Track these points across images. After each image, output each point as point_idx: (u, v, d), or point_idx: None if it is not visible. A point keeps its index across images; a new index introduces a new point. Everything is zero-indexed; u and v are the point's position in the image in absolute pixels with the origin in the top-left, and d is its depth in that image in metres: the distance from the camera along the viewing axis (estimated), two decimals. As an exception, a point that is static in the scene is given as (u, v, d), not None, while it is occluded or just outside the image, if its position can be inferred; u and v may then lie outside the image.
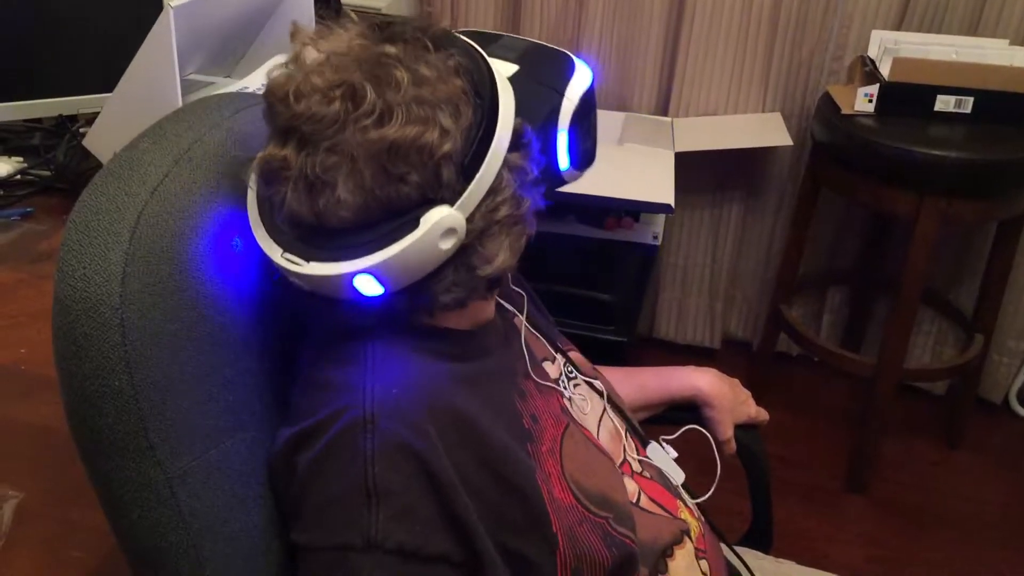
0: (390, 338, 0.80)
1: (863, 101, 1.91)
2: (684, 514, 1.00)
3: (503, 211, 0.76)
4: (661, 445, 1.06)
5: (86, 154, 1.47)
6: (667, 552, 0.93)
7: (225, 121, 0.87)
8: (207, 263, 0.78)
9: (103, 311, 0.70)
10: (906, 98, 1.89)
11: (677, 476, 1.04)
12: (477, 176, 0.73)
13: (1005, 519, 2.09)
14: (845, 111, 1.94)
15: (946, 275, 2.30)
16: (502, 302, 0.96)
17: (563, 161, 0.94)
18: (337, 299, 0.75)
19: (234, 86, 1.34)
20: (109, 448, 0.72)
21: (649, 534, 0.91)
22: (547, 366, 0.97)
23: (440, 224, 0.71)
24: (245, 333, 0.82)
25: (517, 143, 0.77)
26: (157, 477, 0.73)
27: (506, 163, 0.76)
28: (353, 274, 0.71)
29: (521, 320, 0.98)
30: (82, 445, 0.73)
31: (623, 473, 0.95)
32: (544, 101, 0.93)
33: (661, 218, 2.09)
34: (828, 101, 2.01)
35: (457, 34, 0.80)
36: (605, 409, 1.02)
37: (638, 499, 0.94)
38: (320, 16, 1.63)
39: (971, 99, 1.89)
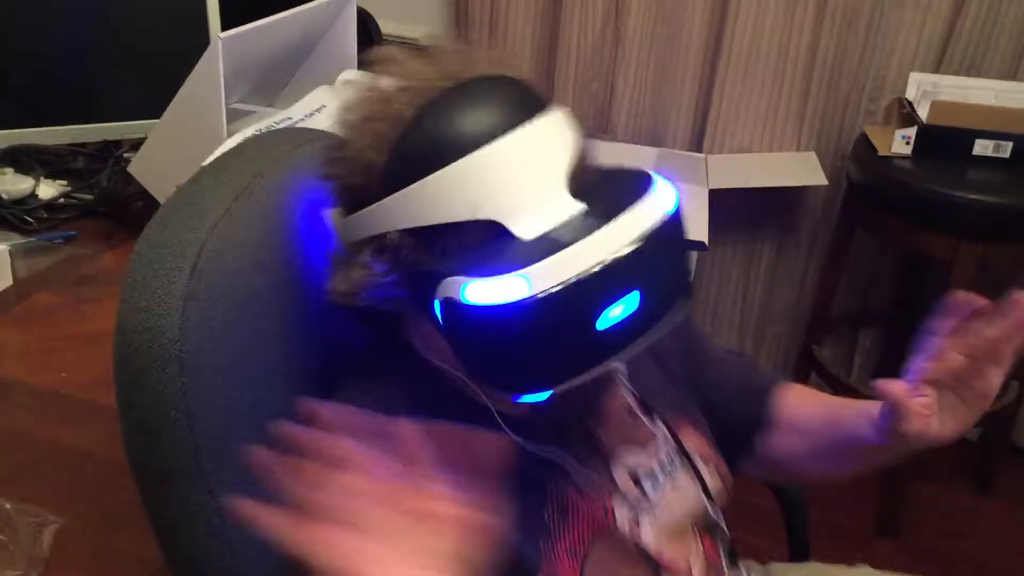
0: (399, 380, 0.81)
1: (900, 143, 1.91)
2: None
3: (347, 269, 0.77)
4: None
5: (129, 179, 1.49)
6: None
7: (286, 157, 0.89)
8: (264, 300, 0.79)
9: (163, 343, 0.72)
10: (944, 141, 1.89)
11: None
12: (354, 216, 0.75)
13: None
14: (882, 152, 1.93)
15: (980, 319, 2.28)
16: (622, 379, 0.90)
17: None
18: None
19: (278, 115, 1.35)
20: (164, 476, 0.74)
21: None
22: (634, 452, 0.88)
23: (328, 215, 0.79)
24: (299, 368, 0.83)
25: (380, 246, 0.74)
26: (209, 506, 0.74)
27: (365, 246, 0.75)
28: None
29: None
30: (138, 472, 0.75)
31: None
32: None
33: (693, 255, 2.09)
34: (864, 142, 2.00)
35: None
36: (704, 498, 0.91)
37: None
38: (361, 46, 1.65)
39: (1010, 144, 1.88)
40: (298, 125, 1.36)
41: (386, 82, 0.74)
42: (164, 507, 0.75)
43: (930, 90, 1.93)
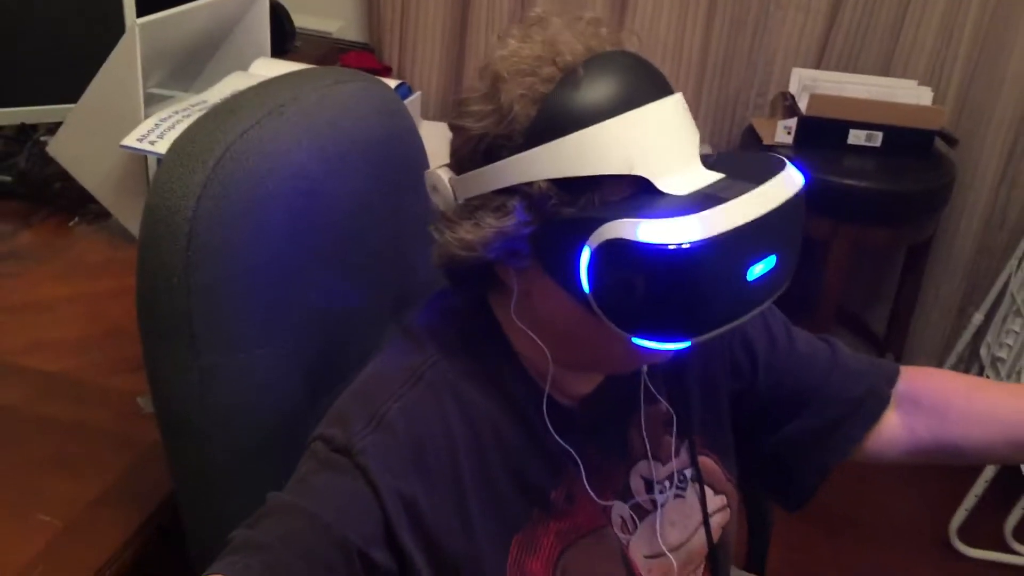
0: (468, 336, 0.88)
1: (783, 133, 2.06)
2: None
3: (465, 225, 0.79)
4: None
5: (48, 161, 1.54)
6: None
7: (324, 88, 1.01)
8: (273, 203, 0.90)
9: (177, 219, 0.84)
10: (821, 131, 2.05)
11: None
12: (478, 171, 0.78)
13: (908, 525, 2.24)
14: (766, 142, 2.08)
15: (860, 298, 2.45)
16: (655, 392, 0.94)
17: (584, 282, 0.74)
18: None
19: (193, 99, 1.42)
20: (161, 332, 0.87)
21: None
22: (654, 464, 0.93)
23: (433, 175, 0.83)
24: (295, 264, 0.94)
25: (520, 197, 0.76)
26: (192, 364, 0.87)
27: (505, 198, 0.77)
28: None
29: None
30: (143, 327, 0.89)
31: None
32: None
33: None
34: (751, 133, 2.16)
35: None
36: (703, 530, 0.96)
37: None
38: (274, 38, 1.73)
39: (881, 134, 2.05)
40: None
41: (530, 45, 0.78)
42: (155, 355, 0.88)
43: (810, 84, 2.09)
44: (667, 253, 0.68)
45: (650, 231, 0.68)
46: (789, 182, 0.75)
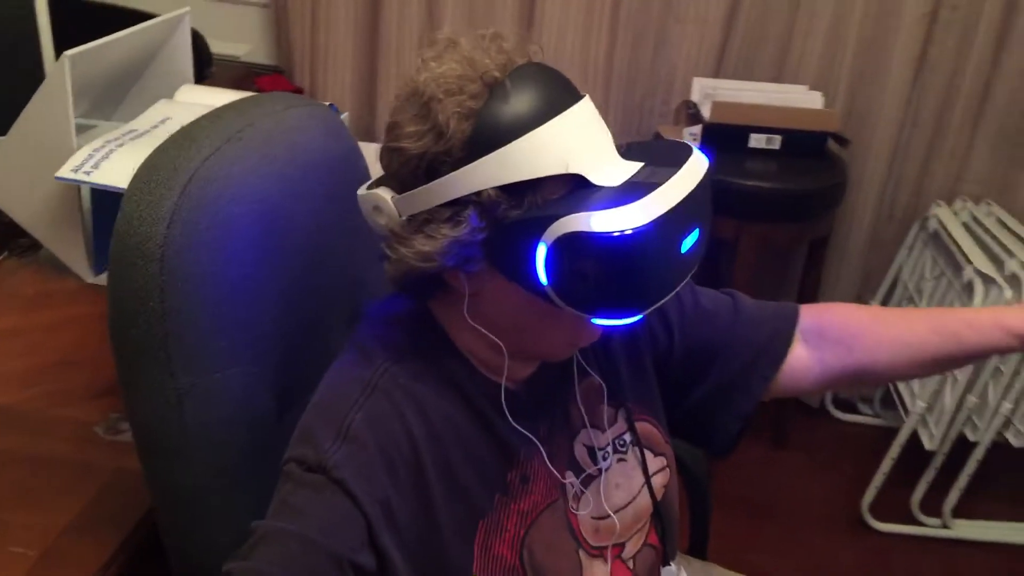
0: (421, 346, 0.93)
1: (689, 139, 2.16)
2: None
3: (418, 238, 0.83)
4: (678, 570, 1.10)
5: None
6: None
7: (277, 114, 1.06)
8: (237, 226, 0.94)
9: (149, 246, 0.87)
10: (725, 136, 2.16)
11: None
12: (422, 188, 0.83)
13: (825, 506, 2.36)
14: (674, 149, 2.18)
15: (766, 294, 2.56)
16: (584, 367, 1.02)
17: (540, 274, 0.81)
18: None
19: (123, 128, 1.42)
20: (136, 355, 0.90)
21: None
22: (594, 433, 1.00)
23: (373, 196, 0.87)
24: (261, 284, 0.98)
25: (473, 207, 0.81)
26: (169, 385, 0.90)
27: (457, 209, 0.82)
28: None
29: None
30: (117, 352, 0.92)
31: (599, 556, 1.00)
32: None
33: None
34: (658, 140, 2.25)
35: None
36: (647, 490, 1.03)
37: None
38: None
39: (779, 137, 2.17)
40: (142, 136, 1.43)
41: (450, 64, 0.84)
42: (132, 380, 0.91)
43: (711, 92, 2.20)
44: (619, 239, 0.77)
45: (602, 221, 0.77)
46: (700, 162, 0.85)
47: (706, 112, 2.17)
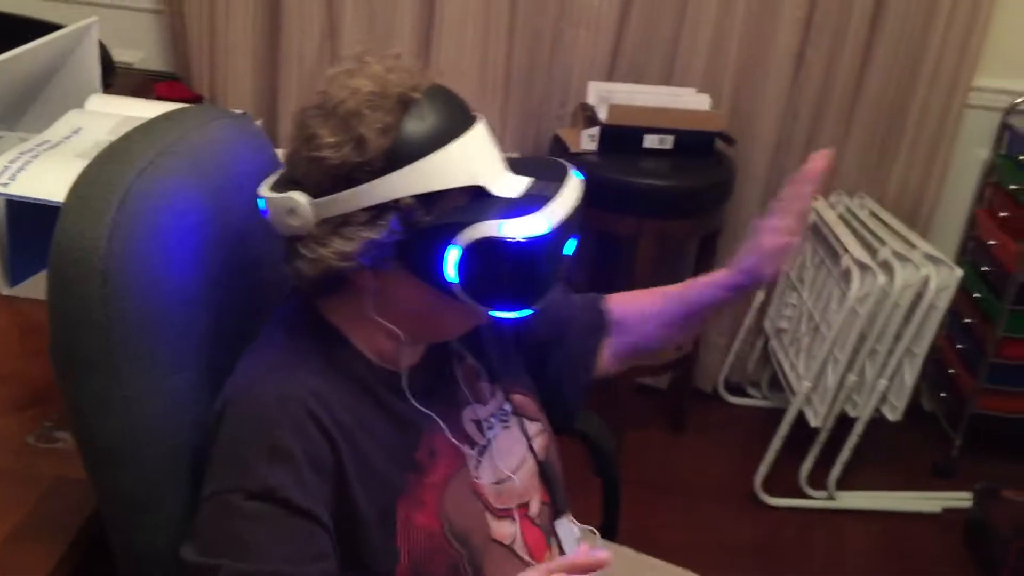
0: (315, 342, 1.00)
1: (588, 141, 2.26)
2: None
3: (336, 239, 0.91)
4: (572, 523, 1.18)
5: None
6: None
7: (204, 126, 1.09)
8: (176, 234, 0.97)
9: (91, 260, 0.89)
10: (621, 137, 2.26)
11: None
12: (339, 194, 0.91)
13: (722, 485, 2.51)
14: (573, 150, 2.28)
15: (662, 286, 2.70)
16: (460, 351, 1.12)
17: (450, 272, 0.92)
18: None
19: (36, 139, 1.42)
20: (82, 368, 0.92)
21: (501, 574, 1.05)
22: (477, 407, 1.11)
23: (289, 200, 0.92)
24: (199, 292, 1.01)
25: (393, 212, 0.90)
26: (116, 394, 0.92)
27: (376, 213, 0.90)
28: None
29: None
30: (59, 366, 0.93)
31: (510, 516, 1.09)
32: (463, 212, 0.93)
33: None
34: (558, 143, 2.35)
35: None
36: (530, 453, 1.14)
37: (513, 541, 1.08)
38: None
39: (672, 137, 2.29)
40: (57, 147, 1.44)
41: (363, 81, 0.92)
42: (78, 392, 0.93)
43: (606, 95, 2.30)
44: (525, 244, 0.89)
45: (511, 228, 0.89)
46: (576, 178, 0.98)
47: (602, 115, 2.27)
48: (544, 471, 1.16)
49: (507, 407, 1.15)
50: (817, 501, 2.44)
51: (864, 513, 2.44)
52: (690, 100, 2.35)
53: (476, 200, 0.93)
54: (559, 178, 0.96)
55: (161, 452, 0.97)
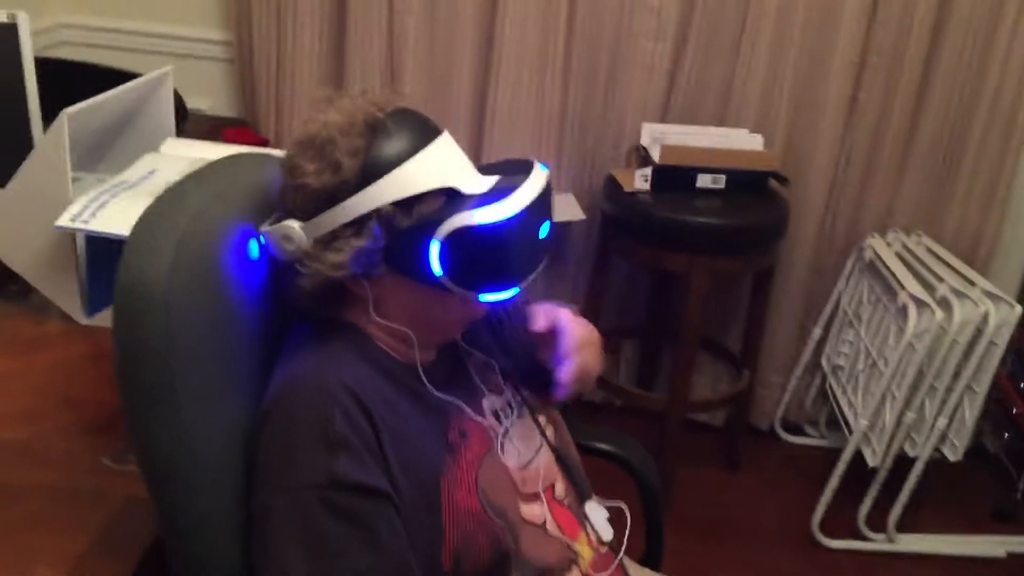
0: (342, 342, 1.07)
1: (641, 181, 2.30)
2: (581, 545, 1.17)
3: (328, 253, 1.02)
4: (600, 504, 1.25)
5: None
6: (555, 574, 1.12)
7: (251, 172, 1.17)
8: (228, 269, 1.04)
9: (154, 294, 0.96)
10: (674, 177, 2.30)
11: (606, 534, 1.22)
12: (325, 214, 1.02)
13: (778, 525, 2.48)
14: (627, 189, 2.32)
15: (717, 323, 2.72)
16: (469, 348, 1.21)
17: (435, 265, 1.01)
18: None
19: (114, 180, 1.51)
20: (143, 393, 0.97)
21: (537, 552, 1.10)
22: (493, 397, 1.19)
23: (283, 228, 1.04)
24: (249, 320, 1.09)
25: (375, 221, 1.00)
26: (174, 419, 0.98)
27: (359, 224, 1.01)
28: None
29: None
30: (125, 392, 0.98)
31: (538, 499, 1.15)
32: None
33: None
34: (612, 182, 2.39)
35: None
36: (544, 442, 1.21)
37: (544, 522, 1.14)
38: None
39: (724, 176, 2.32)
40: (134, 187, 1.52)
41: (333, 115, 1.04)
42: (138, 416, 0.98)
43: (659, 136, 2.34)
44: (495, 226, 0.99)
45: (482, 216, 0.99)
46: (542, 171, 1.07)
47: (655, 155, 2.31)
48: (560, 458, 1.23)
49: (518, 397, 1.22)
50: (876, 543, 2.41)
51: (925, 557, 2.39)
52: (743, 140, 2.38)
53: (449, 200, 1.02)
54: (526, 171, 1.05)
55: (215, 475, 1.02)
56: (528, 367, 1.27)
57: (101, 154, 1.78)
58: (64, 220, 1.39)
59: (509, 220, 0.99)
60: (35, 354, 1.45)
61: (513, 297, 1.08)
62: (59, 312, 1.53)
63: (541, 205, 1.04)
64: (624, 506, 1.27)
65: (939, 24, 2.37)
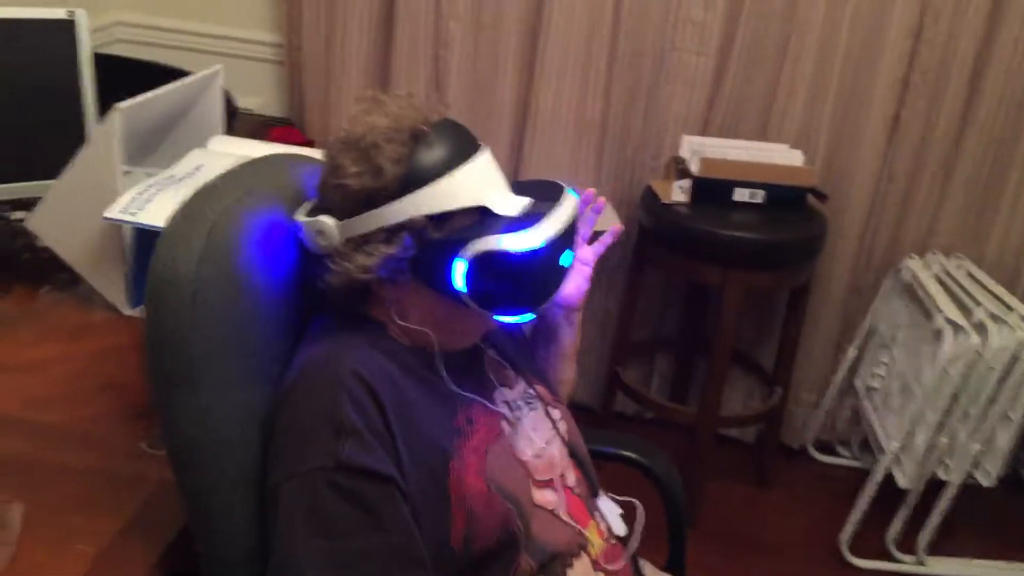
0: (358, 334, 1.10)
1: (679, 192, 2.31)
2: (591, 533, 1.19)
3: (359, 255, 1.04)
4: (610, 499, 1.28)
5: (15, 234, 1.65)
6: (566, 561, 1.13)
7: (282, 172, 1.21)
8: (254, 263, 1.07)
9: (183, 284, 1.00)
10: (712, 190, 2.30)
11: (618, 528, 1.24)
12: (360, 216, 1.04)
13: (806, 543, 2.47)
14: (664, 201, 2.33)
15: (751, 339, 2.71)
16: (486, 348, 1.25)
17: (458, 282, 1.04)
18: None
19: (162, 175, 1.55)
20: (169, 378, 1.02)
21: (548, 536, 1.12)
22: (505, 391, 1.22)
23: (318, 223, 1.07)
24: (271, 312, 1.12)
25: (407, 231, 1.03)
26: (195, 403, 1.02)
27: (392, 232, 1.04)
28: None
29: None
30: (153, 376, 1.03)
31: (551, 485, 1.17)
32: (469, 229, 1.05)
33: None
34: (650, 193, 2.40)
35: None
36: (556, 434, 1.24)
37: (556, 507, 1.16)
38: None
39: (762, 191, 2.32)
40: (181, 182, 1.56)
41: (379, 118, 1.06)
42: (164, 401, 1.02)
43: (698, 149, 2.35)
44: (521, 255, 1.01)
45: (510, 242, 1.01)
46: (572, 200, 1.10)
47: (694, 167, 2.31)
48: (572, 452, 1.25)
49: (531, 391, 1.25)
50: (906, 565, 2.39)
51: (955, 581, 2.37)
52: (782, 155, 2.38)
53: (481, 218, 1.04)
54: (556, 197, 1.08)
55: (235, 460, 1.05)
56: (537, 361, 1.31)
57: (151, 149, 1.84)
58: (113, 212, 1.44)
59: (534, 250, 1.01)
60: (79, 341, 1.50)
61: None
62: (104, 302, 1.58)
63: (567, 234, 1.06)
64: (637, 503, 1.28)
65: (986, 43, 2.35)
